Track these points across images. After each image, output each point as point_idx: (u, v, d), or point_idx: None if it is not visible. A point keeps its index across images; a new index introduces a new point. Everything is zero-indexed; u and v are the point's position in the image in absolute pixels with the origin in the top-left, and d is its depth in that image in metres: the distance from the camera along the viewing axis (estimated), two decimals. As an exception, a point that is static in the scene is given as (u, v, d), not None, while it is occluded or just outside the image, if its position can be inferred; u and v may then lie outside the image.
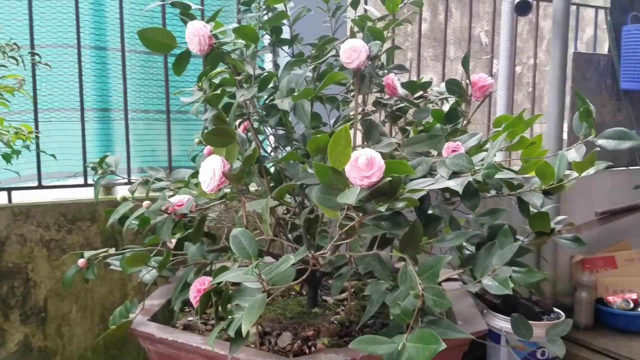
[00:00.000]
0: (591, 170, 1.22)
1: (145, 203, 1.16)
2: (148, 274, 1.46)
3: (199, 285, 1.07)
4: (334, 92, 1.53)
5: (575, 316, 2.86)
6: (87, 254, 1.28)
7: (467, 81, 1.48)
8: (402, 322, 1.00)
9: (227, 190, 1.18)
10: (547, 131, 2.87)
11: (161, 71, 2.06)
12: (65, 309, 1.90)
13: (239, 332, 0.96)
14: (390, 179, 0.98)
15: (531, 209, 1.38)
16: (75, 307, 1.91)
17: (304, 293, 1.69)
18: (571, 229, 2.79)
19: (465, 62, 1.47)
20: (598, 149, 1.20)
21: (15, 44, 1.28)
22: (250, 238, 0.97)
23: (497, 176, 1.12)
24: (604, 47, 3.35)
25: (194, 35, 1.23)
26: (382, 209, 1.02)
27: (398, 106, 1.58)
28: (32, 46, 1.81)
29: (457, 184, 1.12)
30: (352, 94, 1.49)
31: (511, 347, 2.33)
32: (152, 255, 1.34)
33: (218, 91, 1.04)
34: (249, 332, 0.99)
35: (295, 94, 1.13)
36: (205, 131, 1.02)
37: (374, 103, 1.60)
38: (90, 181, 1.93)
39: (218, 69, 1.21)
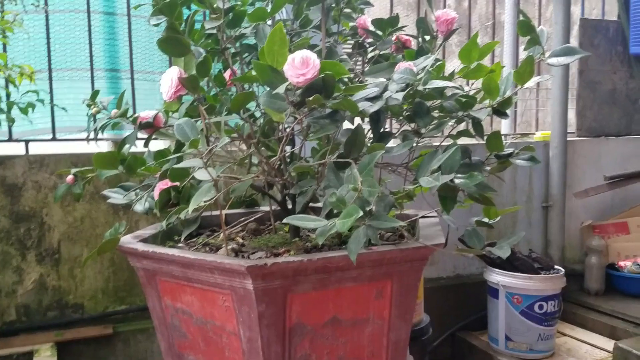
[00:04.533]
0: (531, 82, 1.27)
1: (113, 112, 1.29)
2: (139, 205, 1.60)
3: (162, 185, 1.20)
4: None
5: (585, 282, 2.86)
6: (74, 170, 1.42)
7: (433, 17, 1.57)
8: (338, 209, 1.09)
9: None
10: (552, 96, 2.89)
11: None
12: (77, 252, 2.07)
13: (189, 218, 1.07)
14: (323, 76, 1.07)
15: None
16: (86, 250, 2.08)
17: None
18: (578, 193, 2.81)
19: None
20: (531, 54, 1.25)
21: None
22: (192, 126, 1.08)
23: (430, 85, 1.20)
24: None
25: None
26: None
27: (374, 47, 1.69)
28: (47, 19, 2.00)
29: (397, 95, 1.21)
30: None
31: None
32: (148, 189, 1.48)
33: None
34: (199, 218, 1.10)
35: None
36: (159, 38, 1.14)
37: (353, 46, 1.71)
38: (100, 135, 2.10)
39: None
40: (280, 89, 1.03)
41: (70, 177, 1.41)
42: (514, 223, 2.87)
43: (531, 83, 1.29)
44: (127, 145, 1.26)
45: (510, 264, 2.39)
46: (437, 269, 2.73)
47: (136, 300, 2.15)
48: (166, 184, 1.20)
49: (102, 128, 1.29)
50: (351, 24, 1.66)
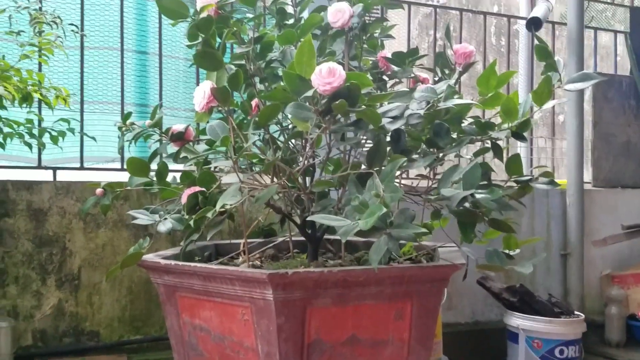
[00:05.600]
0: (548, 104, 1.31)
1: (147, 122, 1.35)
2: (163, 225, 1.63)
3: (189, 191, 1.24)
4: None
5: (606, 333, 2.80)
6: (104, 183, 1.46)
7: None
8: (361, 212, 1.12)
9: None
10: (567, 144, 2.93)
11: (194, 75, 2.33)
12: (97, 279, 2.09)
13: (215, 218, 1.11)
14: (349, 84, 1.13)
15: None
16: (106, 281, 2.09)
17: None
18: (597, 241, 2.80)
19: (447, 33, 1.63)
20: (550, 74, 1.29)
21: (58, 17, 1.55)
22: (223, 127, 1.13)
23: (451, 102, 1.24)
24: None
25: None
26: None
27: (394, 83, 1.76)
28: (82, 47, 2.12)
29: (418, 108, 1.26)
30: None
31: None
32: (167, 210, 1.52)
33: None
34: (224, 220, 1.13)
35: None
36: (194, 53, 1.22)
37: (372, 80, 1.77)
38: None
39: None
40: (308, 93, 1.08)
41: (99, 190, 1.45)
42: (533, 270, 2.83)
43: (549, 105, 1.33)
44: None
45: (530, 308, 2.36)
46: (455, 315, 2.69)
47: (151, 330, 2.14)
48: (193, 190, 1.24)
49: (136, 138, 1.34)
50: (371, 59, 1.73)
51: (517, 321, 2.35)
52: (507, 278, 2.75)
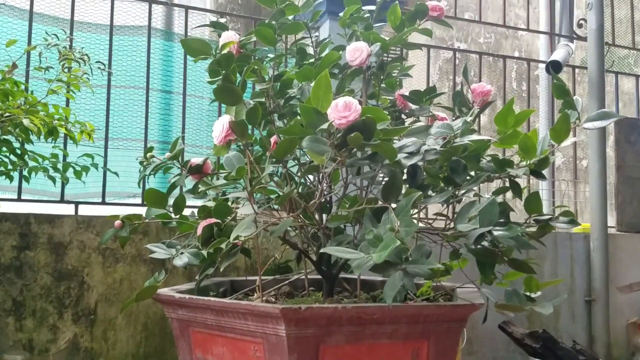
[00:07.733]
0: (568, 141, 1.30)
1: (167, 155, 1.37)
2: (179, 260, 1.64)
3: (204, 222, 1.25)
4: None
5: (635, 384, 2.68)
6: (123, 215, 1.48)
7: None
8: (374, 245, 1.11)
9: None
10: (590, 187, 2.89)
11: (216, 114, 2.37)
12: (113, 314, 2.09)
13: (230, 250, 1.11)
14: (364, 118, 1.14)
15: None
16: (122, 314, 2.09)
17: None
18: (622, 287, 2.73)
19: (464, 72, 1.65)
20: (566, 111, 1.29)
21: (86, 54, 1.61)
22: (239, 159, 1.15)
23: (468, 137, 1.24)
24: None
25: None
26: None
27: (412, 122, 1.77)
28: (109, 85, 2.18)
29: (435, 144, 1.26)
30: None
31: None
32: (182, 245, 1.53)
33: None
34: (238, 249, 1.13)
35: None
36: (214, 87, 1.24)
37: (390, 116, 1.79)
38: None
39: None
40: (324, 126, 1.09)
41: (118, 222, 1.47)
42: (557, 316, 2.76)
43: (567, 142, 1.32)
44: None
45: (554, 355, 2.28)
46: (476, 360, 2.62)
47: (165, 368, 2.12)
48: (209, 221, 1.24)
49: (155, 170, 1.36)
50: (389, 98, 1.75)
51: (540, 368, 2.27)
52: (529, 323, 2.68)
